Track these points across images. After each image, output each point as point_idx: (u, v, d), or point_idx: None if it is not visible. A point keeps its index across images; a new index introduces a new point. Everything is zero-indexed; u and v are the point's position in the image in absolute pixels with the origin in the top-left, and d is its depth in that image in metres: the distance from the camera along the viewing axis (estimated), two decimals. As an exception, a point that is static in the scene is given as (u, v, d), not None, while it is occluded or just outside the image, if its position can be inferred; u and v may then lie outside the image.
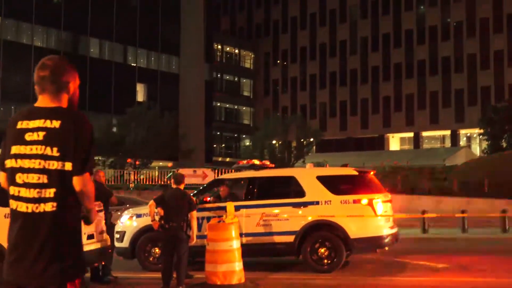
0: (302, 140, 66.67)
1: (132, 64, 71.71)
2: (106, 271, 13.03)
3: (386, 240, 13.73)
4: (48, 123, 3.75)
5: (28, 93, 59.53)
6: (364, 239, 13.48)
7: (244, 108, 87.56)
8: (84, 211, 4.02)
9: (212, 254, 11.96)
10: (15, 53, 59.96)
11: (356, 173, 14.37)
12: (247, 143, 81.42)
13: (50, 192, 3.70)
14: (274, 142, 69.62)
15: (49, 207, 3.71)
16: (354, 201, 13.59)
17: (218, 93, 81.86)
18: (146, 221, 14.00)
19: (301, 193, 13.86)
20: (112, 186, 38.78)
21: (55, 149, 3.70)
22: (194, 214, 12.24)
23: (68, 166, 3.70)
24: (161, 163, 66.98)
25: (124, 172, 58.50)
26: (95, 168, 13.65)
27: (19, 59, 59.91)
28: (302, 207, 13.70)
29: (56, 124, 3.75)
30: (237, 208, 13.55)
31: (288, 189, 14.31)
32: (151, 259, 14.16)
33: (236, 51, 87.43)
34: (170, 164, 67.26)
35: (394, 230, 14.20)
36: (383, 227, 13.71)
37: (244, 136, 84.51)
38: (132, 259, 14.42)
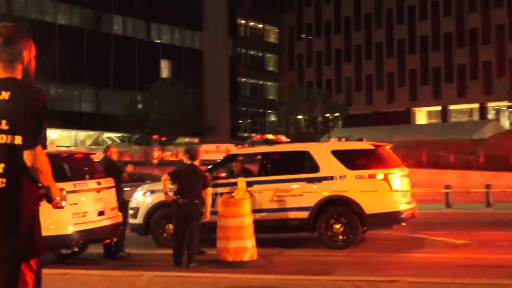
0: (327, 115, 66.24)
1: (156, 41, 71.62)
2: (119, 247, 12.93)
3: (403, 216, 13.43)
4: None
5: (52, 72, 59.81)
6: (380, 215, 13.21)
7: (269, 83, 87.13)
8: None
9: (223, 230, 11.80)
10: (39, 32, 60.07)
11: (371, 147, 14.03)
12: (272, 119, 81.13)
13: None
14: (299, 117, 69.25)
15: None
16: (370, 176, 13.29)
17: (242, 68, 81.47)
18: (160, 197, 13.85)
19: (316, 168, 13.58)
20: (135, 162, 38.67)
21: (3, 122, 3.48)
22: (209, 191, 12.15)
23: (18, 140, 3.49)
24: (187, 139, 67.10)
25: (149, 149, 58.77)
26: (106, 145, 13.64)
27: (43, 37, 60.04)
28: (316, 182, 13.45)
29: (5, 95, 3.52)
30: (250, 184, 13.35)
31: (302, 164, 14.02)
32: (165, 235, 14.02)
33: (260, 25, 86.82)
34: (196, 140, 67.36)
35: (412, 205, 13.87)
36: (400, 202, 13.39)
37: (269, 111, 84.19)
38: (146, 236, 14.29)
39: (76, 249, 11.48)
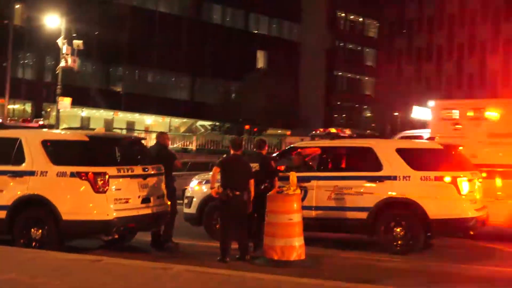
0: (424, 112, 64.32)
1: (253, 31, 71.52)
2: (166, 237, 12.57)
3: (471, 223, 12.36)
4: None
5: (152, 57, 60.78)
6: (445, 221, 12.21)
7: (366, 78, 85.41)
8: None
9: (271, 227, 11.19)
10: (141, 19, 61.15)
11: (440, 147, 13.01)
12: (368, 114, 79.56)
13: None
14: (396, 114, 67.59)
15: None
16: (436, 178, 12.29)
17: (339, 62, 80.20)
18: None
19: (378, 167, 12.68)
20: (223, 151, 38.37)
21: None
22: (252, 182, 11.55)
23: None
24: (279, 131, 66.73)
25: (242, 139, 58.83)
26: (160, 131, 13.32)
27: (144, 24, 61.09)
28: (377, 181, 12.58)
29: None
30: (308, 179, 12.69)
31: (364, 161, 13.21)
32: (218, 226, 13.52)
33: (360, 19, 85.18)
34: (288, 132, 66.86)
35: (482, 213, 12.75)
36: (468, 209, 12.33)
37: (365, 107, 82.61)
38: (199, 226, 13.85)
39: (116, 236, 11.09)
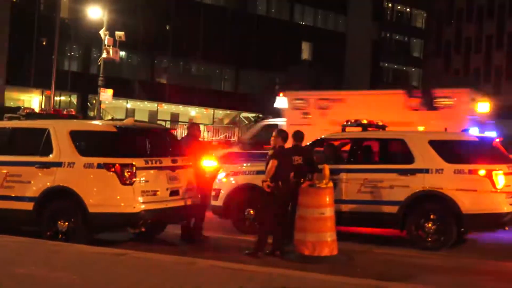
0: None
1: (299, 22, 70.96)
2: (197, 230, 12.32)
3: (506, 219, 11.83)
4: None
5: (196, 49, 60.83)
6: (479, 216, 11.72)
7: (413, 69, 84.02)
8: None
9: (302, 221, 10.83)
10: (186, 10, 61.18)
11: (475, 139, 12.53)
12: (414, 106, 78.10)
13: None
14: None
15: None
16: (470, 171, 11.77)
17: (386, 53, 79.04)
18: (243, 179, 13.32)
19: (410, 159, 12.21)
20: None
21: None
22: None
23: None
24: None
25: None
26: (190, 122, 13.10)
27: (189, 15, 61.08)
28: (409, 174, 12.10)
29: None
30: (337, 172, 12.27)
31: (396, 153, 12.84)
32: (245, 221, 13.23)
33: (408, 9, 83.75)
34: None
35: None
36: (504, 204, 11.79)
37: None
38: (226, 219, 13.56)
39: (144, 229, 10.87)
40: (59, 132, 11.14)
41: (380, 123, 14.59)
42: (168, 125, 48.81)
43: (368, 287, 7.61)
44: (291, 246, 11.11)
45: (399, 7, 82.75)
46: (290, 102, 18.43)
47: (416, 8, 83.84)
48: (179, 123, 56.83)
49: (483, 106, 17.00)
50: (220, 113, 67.53)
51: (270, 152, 11.19)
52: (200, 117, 66.10)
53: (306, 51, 71.26)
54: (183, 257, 9.29)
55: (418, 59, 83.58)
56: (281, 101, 18.97)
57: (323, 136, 13.55)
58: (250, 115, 66.76)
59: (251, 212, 13.07)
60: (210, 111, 66.30)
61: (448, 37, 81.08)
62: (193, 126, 12.75)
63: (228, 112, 67.60)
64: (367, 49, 74.72)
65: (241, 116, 67.80)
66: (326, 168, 11.11)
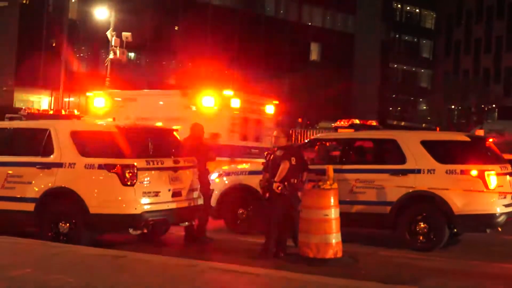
0: (482, 105, 62.60)
1: (307, 23, 70.73)
2: (200, 231, 12.19)
3: (499, 219, 11.75)
4: None
5: (205, 50, 60.72)
6: (471, 216, 11.66)
7: (422, 70, 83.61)
8: None
9: (305, 223, 10.67)
10: (193, 12, 61.12)
11: (467, 139, 12.45)
12: (424, 107, 77.83)
13: None
14: (452, 107, 65.91)
15: None
16: (462, 172, 11.70)
17: (395, 54, 78.72)
18: (235, 180, 13.33)
19: (402, 159, 12.16)
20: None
21: None
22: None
23: None
24: (332, 124, 65.72)
25: (292, 131, 58.22)
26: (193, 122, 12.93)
27: (197, 17, 60.99)
28: (401, 175, 12.03)
29: None
30: None
31: (388, 153, 12.76)
32: (237, 221, 13.23)
33: (417, 10, 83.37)
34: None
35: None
36: (496, 204, 11.71)
37: (420, 99, 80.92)
38: (219, 219, 13.42)
39: (145, 231, 10.73)
40: (60, 132, 11.03)
41: (374, 124, 14.61)
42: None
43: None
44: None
45: (408, 7, 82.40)
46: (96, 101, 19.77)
47: (425, 9, 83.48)
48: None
49: (235, 102, 17.92)
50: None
51: (278, 152, 11.00)
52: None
53: (314, 52, 71.03)
54: (184, 259, 9.15)
55: (427, 60, 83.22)
56: (99, 101, 19.76)
57: (315, 136, 13.52)
58: (259, 116, 66.75)
59: (243, 212, 13.06)
60: (219, 112, 66.17)
61: (458, 38, 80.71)
62: (196, 126, 12.57)
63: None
64: (376, 50, 74.42)
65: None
66: (330, 169, 10.94)
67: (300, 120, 60.11)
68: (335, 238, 10.60)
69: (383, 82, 75.45)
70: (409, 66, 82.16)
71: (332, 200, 10.68)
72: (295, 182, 11.01)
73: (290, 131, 35.93)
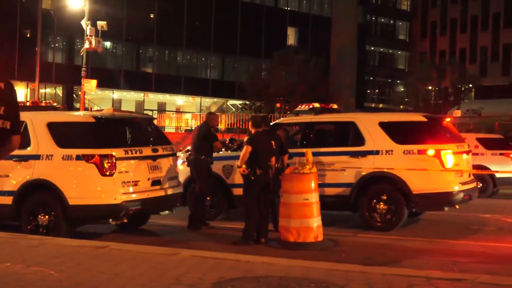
0: (459, 86, 62.92)
1: (283, 8, 70.59)
2: (195, 218, 12.30)
3: (456, 197, 11.99)
4: None
5: (181, 37, 60.41)
6: (429, 195, 11.89)
7: (399, 52, 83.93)
8: None
9: (285, 208, 10.74)
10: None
11: (424, 119, 12.57)
12: (401, 89, 78.19)
13: None
14: (429, 88, 66.16)
15: None
16: (419, 152, 11.96)
17: (371, 36, 78.87)
18: None
19: (361, 141, 12.40)
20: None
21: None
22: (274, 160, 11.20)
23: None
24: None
25: (271, 116, 58.18)
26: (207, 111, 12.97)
27: (173, 3, 60.56)
28: (360, 156, 12.28)
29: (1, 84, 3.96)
30: (290, 156, 12.15)
31: (347, 136, 12.88)
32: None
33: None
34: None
35: (469, 186, 12.38)
36: (453, 182, 11.97)
37: (398, 81, 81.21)
38: (184, 206, 13.45)
39: (126, 220, 10.70)
40: (37, 124, 10.93)
41: (335, 107, 14.81)
42: (155, 115, 48.62)
43: (353, 273, 7.47)
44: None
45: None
46: None
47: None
48: (166, 112, 56.54)
49: None
50: (207, 101, 67.24)
51: (245, 138, 11.13)
52: (187, 106, 65.82)
53: (291, 36, 70.92)
54: (165, 248, 9.15)
55: (404, 42, 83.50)
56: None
57: (277, 121, 13.63)
58: (237, 102, 66.56)
59: (207, 199, 13.12)
60: (197, 99, 66.01)
61: (434, 19, 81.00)
62: (210, 116, 12.66)
63: (215, 100, 67.30)
64: (353, 33, 74.40)
65: (228, 103, 67.53)
66: (309, 153, 11.00)
67: (278, 105, 60.02)
68: (316, 221, 10.67)
69: (360, 64, 75.55)
70: (386, 48, 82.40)
71: (312, 184, 10.73)
72: (278, 165, 11.11)
73: (269, 116, 35.84)
